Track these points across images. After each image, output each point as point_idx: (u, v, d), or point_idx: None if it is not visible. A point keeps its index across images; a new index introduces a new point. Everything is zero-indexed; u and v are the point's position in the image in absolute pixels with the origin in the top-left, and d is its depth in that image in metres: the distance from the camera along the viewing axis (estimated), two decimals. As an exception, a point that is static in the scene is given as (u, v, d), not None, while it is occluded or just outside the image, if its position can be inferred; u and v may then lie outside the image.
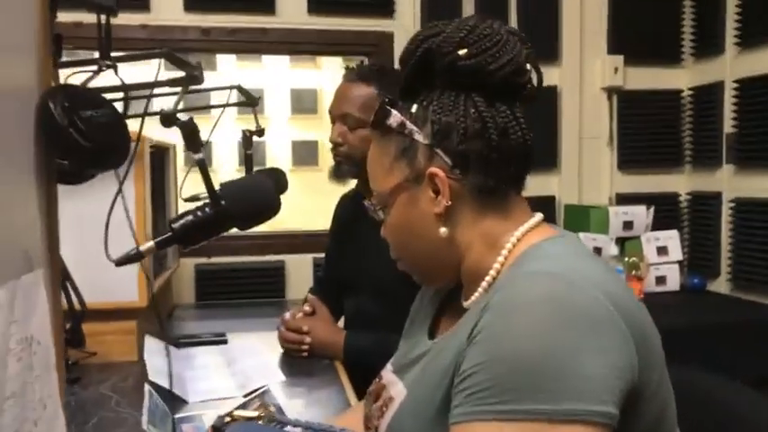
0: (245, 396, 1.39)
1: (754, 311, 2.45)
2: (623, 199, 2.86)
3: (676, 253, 2.68)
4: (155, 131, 1.48)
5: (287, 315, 1.73)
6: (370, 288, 1.70)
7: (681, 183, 2.94)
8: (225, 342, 1.87)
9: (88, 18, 0.77)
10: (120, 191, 0.88)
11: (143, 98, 0.81)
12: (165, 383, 1.37)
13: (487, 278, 0.82)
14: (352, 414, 1.09)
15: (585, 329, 0.68)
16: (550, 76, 2.73)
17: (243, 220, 0.93)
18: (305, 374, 1.57)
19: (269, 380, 1.46)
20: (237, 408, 1.30)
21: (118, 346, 1.64)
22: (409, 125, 0.83)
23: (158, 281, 1.92)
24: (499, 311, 0.71)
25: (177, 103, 0.90)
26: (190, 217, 0.91)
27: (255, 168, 1.47)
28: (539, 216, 0.86)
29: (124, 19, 2.40)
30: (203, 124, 1.03)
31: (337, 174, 1.70)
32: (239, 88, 1.56)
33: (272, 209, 0.96)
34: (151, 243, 0.91)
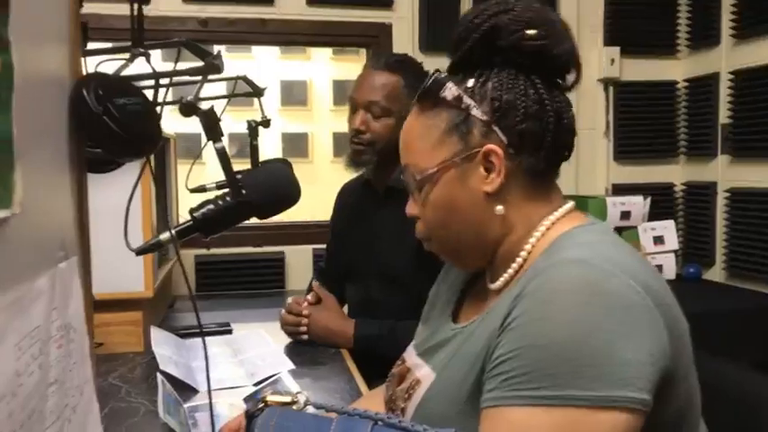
0: (256, 385, 1.40)
1: (749, 299, 2.49)
2: (619, 189, 2.89)
3: (672, 242, 2.71)
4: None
5: (290, 299, 1.74)
6: (379, 273, 1.71)
7: (676, 173, 2.97)
8: (229, 332, 1.87)
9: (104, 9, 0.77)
10: (138, 180, 0.88)
11: (161, 87, 0.81)
12: (175, 373, 1.38)
13: (518, 260, 0.83)
14: (371, 399, 1.10)
15: (621, 316, 0.69)
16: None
17: (264, 209, 0.94)
18: (313, 363, 1.58)
19: (278, 369, 1.47)
20: (253, 394, 1.31)
21: (124, 337, 1.64)
22: (467, 99, 0.82)
23: (160, 272, 1.92)
24: (536, 298, 0.72)
25: (198, 93, 0.91)
26: (211, 206, 0.91)
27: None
28: (571, 203, 0.87)
29: (123, 10, 2.39)
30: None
31: (356, 161, 1.71)
32: (245, 79, 1.55)
33: (292, 197, 0.96)
34: (171, 232, 0.92)
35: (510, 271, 0.84)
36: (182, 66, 0.90)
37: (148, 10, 2.69)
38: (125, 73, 0.73)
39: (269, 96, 1.03)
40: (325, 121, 15.53)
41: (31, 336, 0.50)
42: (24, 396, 0.48)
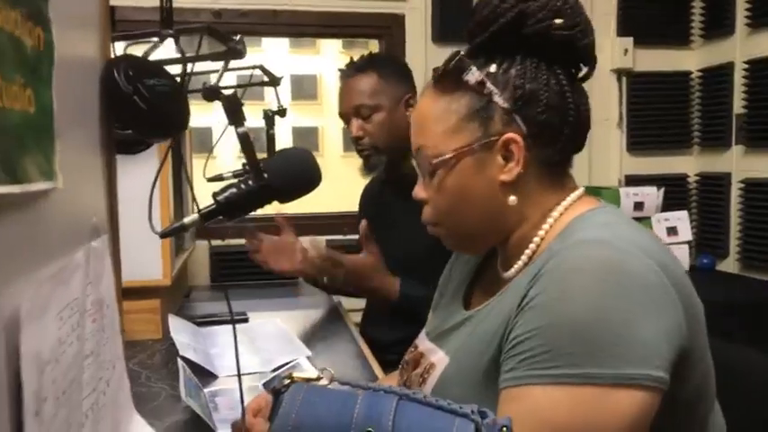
0: (274, 371, 1.42)
1: (763, 290, 2.48)
2: (633, 180, 2.88)
3: (686, 233, 2.70)
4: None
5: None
6: (401, 265, 1.72)
7: (690, 164, 2.96)
8: (246, 321, 1.89)
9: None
10: (163, 162, 0.90)
11: (187, 71, 0.82)
12: (195, 359, 1.40)
13: (531, 246, 0.83)
14: (385, 383, 1.11)
15: (639, 295, 0.69)
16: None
17: (286, 193, 0.95)
18: (328, 349, 1.60)
19: (295, 355, 1.48)
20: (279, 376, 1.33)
21: (142, 325, 1.66)
22: (490, 85, 0.81)
23: (177, 261, 1.94)
24: (554, 278, 0.72)
25: (220, 78, 0.92)
26: (234, 189, 0.92)
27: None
28: (582, 188, 0.87)
29: (136, 1, 2.41)
30: (206, 108, 1.03)
31: (369, 167, 1.76)
32: (261, 68, 1.57)
33: (313, 181, 0.97)
34: (195, 215, 0.93)
35: (524, 258, 0.84)
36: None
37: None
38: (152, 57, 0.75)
39: (279, 90, 1.04)
40: (335, 116, 15.48)
41: (71, 307, 0.51)
42: (66, 365, 0.49)
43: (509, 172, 0.81)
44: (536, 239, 0.83)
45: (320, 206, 2.63)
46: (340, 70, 1.82)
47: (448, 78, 0.84)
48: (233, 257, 2.61)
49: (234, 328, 0.67)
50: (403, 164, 1.73)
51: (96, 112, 0.65)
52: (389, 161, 1.73)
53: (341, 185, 2.24)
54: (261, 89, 1.18)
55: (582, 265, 0.72)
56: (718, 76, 2.79)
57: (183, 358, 1.35)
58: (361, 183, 2.06)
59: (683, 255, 2.70)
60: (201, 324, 1.81)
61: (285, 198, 0.96)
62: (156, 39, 0.76)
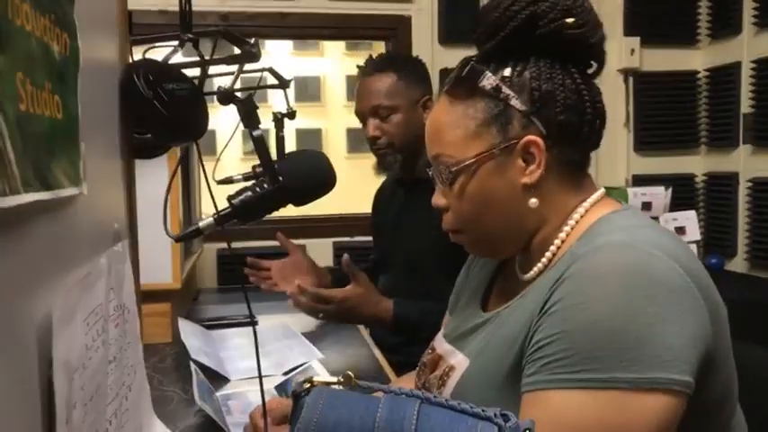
0: (285, 374, 1.42)
1: (773, 290, 2.47)
2: (640, 180, 2.87)
3: (694, 233, 2.70)
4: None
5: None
6: (405, 263, 1.73)
7: (698, 164, 2.95)
8: (255, 323, 1.89)
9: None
10: (178, 166, 0.89)
11: (205, 75, 0.82)
12: (207, 362, 1.40)
13: (552, 248, 0.83)
14: (400, 385, 1.11)
15: (665, 299, 0.69)
16: (567, 58, 2.74)
17: (301, 195, 0.95)
18: (340, 353, 1.59)
19: (307, 358, 1.48)
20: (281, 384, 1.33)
21: (153, 329, 1.66)
22: (506, 89, 0.80)
23: (186, 265, 1.94)
24: (578, 282, 0.72)
25: (235, 81, 0.92)
26: (249, 193, 0.92)
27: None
28: (602, 189, 0.86)
29: (143, 4, 2.42)
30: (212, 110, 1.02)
31: (384, 166, 1.75)
32: (271, 70, 1.57)
33: (328, 183, 0.97)
34: (210, 219, 0.93)
35: (544, 260, 0.83)
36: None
37: (170, 5, 2.71)
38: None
39: (281, 93, 1.03)
40: (339, 117, 15.57)
41: (96, 312, 0.51)
42: (92, 371, 0.49)
43: (530, 174, 0.81)
44: (557, 242, 0.82)
45: (325, 208, 2.63)
46: (359, 67, 1.80)
47: (462, 85, 0.83)
48: (240, 261, 2.60)
49: (254, 331, 0.67)
50: (417, 165, 1.73)
51: (116, 117, 0.65)
52: (404, 162, 1.73)
53: (345, 187, 2.22)
54: (265, 92, 1.17)
55: (606, 269, 0.71)
56: (725, 76, 2.78)
57: (195, 362, 1.35)
58: (365, 184, 2.06)
59: (691, 255, 2.70)
60: (211, 327, 1.81)
61: (300, 200, 0.96)
62: (175, 42, 0.76)
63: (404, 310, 1.64)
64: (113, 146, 0.64)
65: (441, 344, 0.97)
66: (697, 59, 2.92)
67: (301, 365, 1.42)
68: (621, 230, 0.77)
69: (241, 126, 0.95)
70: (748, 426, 0.89)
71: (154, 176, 1.07)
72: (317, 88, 15.05)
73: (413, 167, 1.73)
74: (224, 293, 2.52)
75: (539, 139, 0.80)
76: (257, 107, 0.92)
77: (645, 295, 0.69)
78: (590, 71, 0.86)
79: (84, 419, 0.47)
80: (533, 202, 0.81)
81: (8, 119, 0.34)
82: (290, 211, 1.18)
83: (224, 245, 2.59)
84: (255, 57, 0.91)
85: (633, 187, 2.75)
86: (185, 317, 1.87)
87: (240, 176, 1.23)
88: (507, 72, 0.81)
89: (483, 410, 0.62)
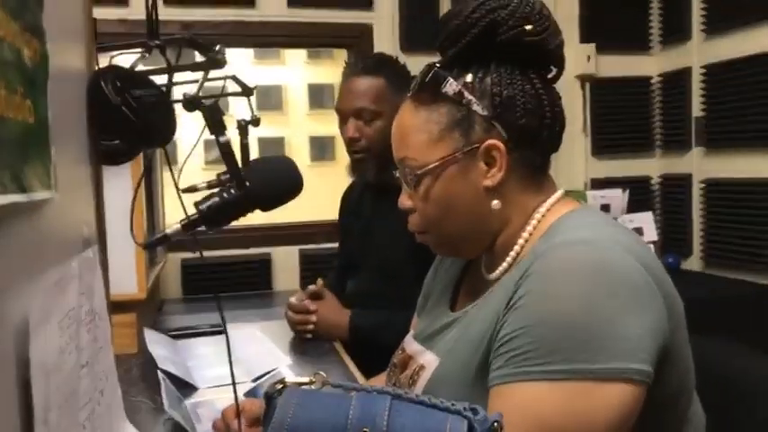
0: (255, 381, 1.41)
1: (727, 287, 2.56)
2: (598, 184, 2.94)
3: (651, 234, 2.77)
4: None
5: (292, 299, 1.76)
6: (375, 267, 1.74)
7: (653, 166, 3.04)
8: (222, 332, 1.88)
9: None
10: (143, 174, 0.89)
11: (172, 82, 0.83)
12: (174, 371, 1.39)
13: (516, 247, 0.85)
14: (374, 387, 1.12)
15: (624, 293, 0.72)
16: (526, 64, 2.79)
17: (268, 200, 0.95)
18: (309, 358, 1.60)
19: (276, 364, 1.48)
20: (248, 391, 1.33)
21: (118, 339, 1.61)
22: (467, 95, 0.83)
23: (151, 275, 1.92)
24: (541, 278, 0.74)
25: (200, 88, 0.92)
26: (216, 199, 0.92)
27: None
28: (562, 190, 0.90)
29: (103, 14, 2.38)
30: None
31: (358, 169, 1.74)
32: (234, 78, 1.57)
33: (295, 187, 0.98)
34: (177, 225, 0.93)
35: (508, 259, 0.86)
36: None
37: (128, 14, 2.69)
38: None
39: (243, 102, 1.03)
40: (302, 126, 15.56)
41: (69, 316, 0.52)
42: (66, 374, 0.50)
43: (492, 177, 0.84)
44: (520, 241, 0.85)
45: (289, 216, 2.63)
46: (346, 63, 1.77)
47: (426, 91, 0.86)
48: (205, 269, 2.59)
49: (227, 337, 0.68)
50: (388, 171, 1.74)
51: (84, 124, 0.65)
52: (378, 167, 1.74)
53: (309, 195, 2.23)
54: (226, 100, 1.16)
55: (568, 264, 0.74)
56: (676, 81, 2.87)
57: (163, 371, 1.34)
58: (329, 191, 2.07)
59: (649, 255, 2.77)
60: (177, 337, 1.80)
61: (268, 206, 0.97)
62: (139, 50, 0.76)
63: (360, 320, 1.66)
64: (82, 152, 0.64)
65: (410, 344, 0.99)
66: (650, 65, 3.01)
67: (270, 372, 1.43)
68: (581, 228, 0.80)
69: (204, 134, 0.95)
70: (706, 414, 0.92)
71: (117, 184, 1.07)
72: (278, 97, 15.01)
73: (384, 173, 1.74)
74: (189, 303, 2.49)
75: (500, 143, 0.82)
76: (224, 113, 0.92)
77: (604, 289, 0.72)
78: (549, 76, 0.88)
79: (59, 423, 0.47)
80: (495, 203, 0.84)
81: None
82: (255, 218, 1.18)
83: (188, 254, 2.57)
84: (221, 63, 0.92)
85: (592, 190, 2.82)
86: (150, 327, 1.85)
87: (204, 184, 1.22)
88: (469, 78, 0.84)
89: (452, 404, 0.64)
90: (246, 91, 1.75)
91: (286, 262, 2.69)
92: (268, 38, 2.63)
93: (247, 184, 0.93)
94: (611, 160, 3.01)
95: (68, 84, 0.62)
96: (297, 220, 2.80)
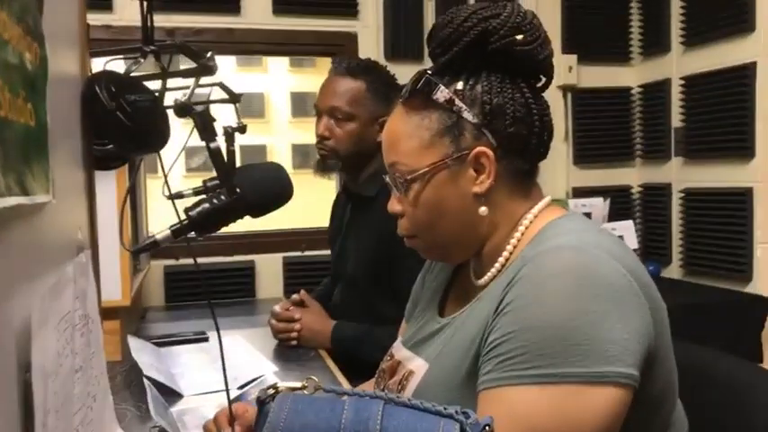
0: (240, 388, 1.41)
1: (706, 294, 2.60)
2: (580, 192, 2.98)
3: (632, 242, 2.81)
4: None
5: (277, 307, 1.76)
6: (347, 278, 1.75)
7: (633, 175, 3.08)
8: (206, 340, 1.87)
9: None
10: (133, 180, 0.89)
11: (166, 88, 0.83)
12: (159, 378, 1.38)
13: (504, 254, 0.86)
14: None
15: (610, 298, 0.73)
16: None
17: (258, 207, 0.96)
18: (295, 365, 1.59)
19: (261, 371, 1.48)
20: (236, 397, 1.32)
21: (101, 346, 1.62)
22: (458, 102, 0.84)
23: (134, 282, 1.90)
24: (529, 283, 0.76)
25: (191, 94, 0.92)
26: (206, 204, 0.93)
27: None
28: (549, 197, 0.91)
29: (88, 19, 2.37)
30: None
31: (323, 168, 1.73)
32: (221, 85, 1.57)
33: (285, 194, 0.98)
34: (167, 231, 0.93)
35: (497, 265, 0.87)
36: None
37: (113, 20, 2.67)
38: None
39: (227, 109, 1.03)
40: (284, 133, 15.53)
41: (65, 320, 0.52)
42: (62, 378, 0.50)
43: (481, 184, 0.85)
44: (509, 247, 0.86)
45: (273, 223, 2.63)
46: (333, 62, 1.76)
47: (417, 97, 0.87)
48: (187, 277, 2.57)
49: (220, 342, 0.68)
50: (359, 180, 1.74)
51: (78, 128, 0.65)
52: (347, 174, 1.74)
53: (292, 202, 2.22)
54: (209, 106, 1.15)
55: (555, 270, 0.75)
56: (656, 92, 2.92)
57: (148, 378, 1.33)
58: (312, 199, 2.06)
59: (629, 263, 2.80)
60: (161, 344, 1.78)
61: (258, 212, 0.97)
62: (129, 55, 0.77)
63: (340, 332, 1.67)
64: (76, 156, 0.64)
65: (399, 350, 0.99)
66: (630, 76, 3.06)
67: (256, 379, 1.42)
68: (568, 234, 0.82)
69: (189, 141, 0.95)
70: (687, 419, 0.94)
71: (102, 190, 1.06)
72: (261, 104, 14.98)
73: (356, 182, 1.74)
74: (172, 311, 2.48)
75: (489, 151, 0.84)
76: (214, 120, 0.93)
77: (591, 294, 0.73)
78: (538, 85, 0.90)
79: (56, 426, 0.47)
80: (483, 210, 0.85)
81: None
82: (239, 226, 1.18)
83: (171, 262, 2.55)
84: (212, 70, 0.92)
85: (573, 199, 2.85)
86: (134, 334, 1.84)
87: (190, 191, 1.23)
88: (460, 85, 0.85)
89: (444, 408, 0.65)
90: (233, 98, 1.75)
91: (269, 269, 2.68)
92: (252, 45, 2.63)
93: (238, 190, 0.94)
94: (592, 169, 3.05)
95: (64, 88, 0.62)
96: (280, 228, 2.80)
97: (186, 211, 0.93)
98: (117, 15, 2.43)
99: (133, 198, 2.02)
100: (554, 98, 2.98)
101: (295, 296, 1.76)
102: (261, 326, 2.08)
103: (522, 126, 0.84)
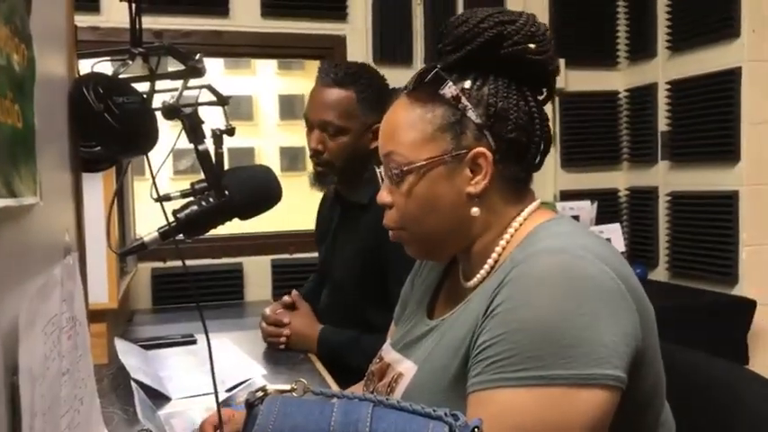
0: (229, 391, 1.40)
1: (692, 296, 2.62)
2: (567, 196, 2.99)
3: (619, 245, 2.83)
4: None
5: (267, 310, 1.75)
6: (335, 283, 1.75)
7: (620, 179, 3.10)
8: (194, 343, 1.86)
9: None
10: (121, 182, 0.89)
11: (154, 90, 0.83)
12: (147, 381, 1.37)
13: (493, 255, 0.87)
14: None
15: (598, 300, 0.74)
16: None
17: (247, 209, 0.96)
18: (283, 368, 1.59)
19: (250, 374, 1.47)
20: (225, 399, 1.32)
21: (88, 350, 1.61)
22: (464, 100, 0.84)
23: (122, 284, 1.89)
24: (518, 286, 0.76)
25: (179, 96, 0.92)
26: (194, 207, 0.93)
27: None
28: (538, 200, 0.92)
29: (75, 21, 2.36)
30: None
31: (320, 182, 1.71)
32: (209, 87, 1.56)
33: (274, 197, 0.98)
34: (155, 233, 0.93)
35: (486, 267, 0.88)
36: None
37: (101, 22, 2.66)
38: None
39: (215, 111, 1.03)
40: (272, 136, 15.51)
41: (52, 323, 0.51)
42: (50, 381, 0.49)
43: (475, 185, 0.85)
44: (498, 249, 0.87)
45: (261, 226, 2.63)
46: (320, 70, 1.69)
47: (423, 90, 0.87)
48: (175, 279, 2.56)
49: (209, 344, 0.67)
50: (352, 189, 1.72)
51: (66, 130, 0.65)
52: (341, 181, 1.72)
53: (280, 205, 2.21)
54: (197, 109, 1.13)
55: (544, 272, 0.76)
56: (643, 96, 2.95)
57: (136, 381, 1.32)
58: (300, 202, 2.05)
59: (616, 266, 2.82)
60: (148, 347, 1.77)
61: (246, 214, 0.97)
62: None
63: (328, 336, 1.66)
64: (63, 158, 0.64)
65: (388, 353, 0.99)
66: (617, 80, 3.08)
67: (244, 382, 1.42)
68: (556, 237, 0.82)
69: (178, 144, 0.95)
70: (674, 421, 0.95)
71: (89, 193, 1.06)
72: (249, 107, 14.95)
73: (349, 189, 1.73)
74: (159, 314, 2.46)
75: (487, 152, 0.84)
76: (202, 122, 0.93)
77: (579, 297, 0.73)
78: (540, 98, 0.90)
79: (43, 429, 0.47)
80: (475, 211, 0.86)
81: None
82: (228, 228, 1.18)
83: (158, 264, 2.54)
84: (200, 72, 0.92)
85: (561, 202, 2.87)
86: (121, 337, 1.82)
87: (178, 193, 1.22)
88: (467, 84, 0.85)
89: (434, 410, 0.65)
90: (222, 100, 1.75)
91: (258, 272, 2.68)
92: (240, 48, 2.62)
93: (226, 192, 0.94)
94: (579, 173, 3.07)
95: (51, 90, 0.62)
96: (268, 230, 2.79)
97: (174, 213, 0.93)
98: (104, 17, 2.42)
99: (120, 200, 2.01)
100: (542, 102, 2.99)
101: (286, 298, 1.75)
102: (249, 328, 2.07)
103: (522, 134, 0.85)
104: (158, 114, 0.89)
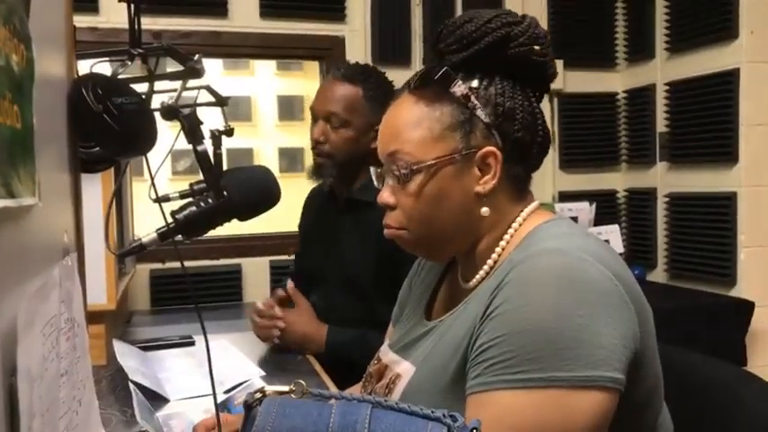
0: (227, 392, 1.40)
1: (690, 298, 2.62)
2: (566, 197, 3.00)
3: (618, 246, 2.83)
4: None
5: (259, 304, 1.74)
6: (341, 281, 1.73)
7: (619, 180, 3.11)
8: (192, 344, 1.86)
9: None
10: (119, 185, 0.89)
11: (153, 90, 0.83)
12: (145, 383, 1.37)
13: (493, 256, 0.87)
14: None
15: (597, 302, 0.74)
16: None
17: (245, 210, 0.95)
18: (282, 370, 1.59)
19: (248, 376, 1.47)
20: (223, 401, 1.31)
21: (86, 351, 1.61)
22: (474, 99, 0.84)
23: (120, 285, 1.89)
24: (516, 287, 0.76)
25: (178, 97, 0.92)
26: (193, 207, 0.92)
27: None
28: (537, 201, 0.92)
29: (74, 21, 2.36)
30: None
31: (318, 173, 1.71)
32: (208, 88, 1.56)
33: (273, 198, 0.98)
34: (153, 234, 0.92)
35: (485, 268, 0.88)
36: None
37: (100, 22, 2.66)
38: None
39: (213, 112, 1.02)
40: (271, 137, 15.52)
41: (51, 324, 0.51)
42: (48, 382, 0.49)
43: (484, 184, 0.85)
44: (497, 250, 0.87)
45: (259, 227, 2.62)
46: (336, 65, 1.74)
47: (431, 88, 0.86)
48: (173, 281, 2.56)
49: (207, 346, 0.67)
50: (351, 185, 1.72)
51: (64, 130, 0.65)
52: (340, 178, 1.72)
53: (279, 206, 2.21)
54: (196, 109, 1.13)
55: (542, 274, 0.76)
56: (641, 97, 2.95)
57: (134, 382, 1.32)
58: (299, 202, 2.03)
59: (615, 267, 2.82)
60: (146, 349, 1.77)
61: (245, 215, 0.97)
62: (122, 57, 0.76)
63: (337, 336, 1.66)
64: (62, 159, 0.64)
65: (386, 354, 0.99)
66: (616, 82, 3.09)
67: (242, 383, 1.42)
68: (555, 238, 0.82)
69: (177, 144, 0.95)
70: (672, 422, 0.95)
71: (87, 193, 1.06)
72: (248, 108, 14.96)
73: (348, 186, 1.73)
74: (158, 315, 2.46)
75: (497, 151, 0.84)
76: (201, 123, 0.93)
77: (578, 298, 0.73)
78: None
79: (41, 430, 0.47)
80: (485, 210, 0.86)
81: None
82: (226, 229, 1.18)
83: (157, 265, 2.54)
84: (199, 73, 0.92)
85: (560, 203, 2.87)
86: (119, 338, 1.82)
87: (177, 194, 1.22)
88: (475, 84, 0.85)
89: (432, 412, 0.65)
90: (220, 101, 1.75)
91: (256, 273, 2.68)
92: (240, 48, 2.62)
93: (225, 193, 0.94)
94: (578, 174, 3.07)
95: (50, 90, 0.62)
96: (267, 231, 2.79)
97: (173, 214, 0.93)
98: (103, 17, 2.42)
99: (119, 201, 2.01)
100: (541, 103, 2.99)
101: (280, 292, 1.74)
102: (248, 330, 2.06)
103: (527, 133, 0.86)
104: (157, 115, 0.89)
